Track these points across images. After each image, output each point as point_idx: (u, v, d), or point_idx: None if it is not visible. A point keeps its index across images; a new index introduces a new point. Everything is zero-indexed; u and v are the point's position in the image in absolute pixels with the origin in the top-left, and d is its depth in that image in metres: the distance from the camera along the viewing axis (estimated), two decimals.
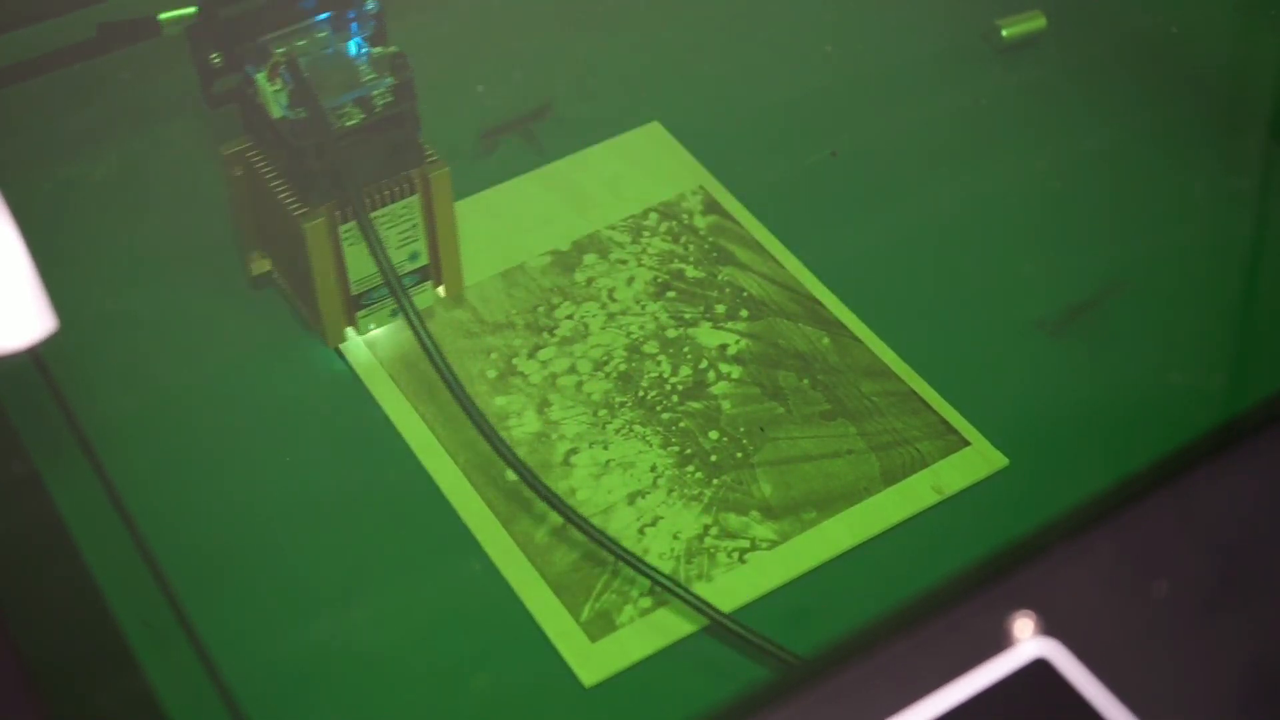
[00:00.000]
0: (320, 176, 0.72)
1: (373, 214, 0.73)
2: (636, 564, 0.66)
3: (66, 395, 0.73)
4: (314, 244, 0.73)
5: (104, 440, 0.73)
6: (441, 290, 0.79)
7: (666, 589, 0.66)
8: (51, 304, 0.55)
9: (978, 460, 0.73)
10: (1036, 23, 0.93)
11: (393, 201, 0.74)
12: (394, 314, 0.78)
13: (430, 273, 0.78)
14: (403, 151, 0.74)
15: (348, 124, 0.71)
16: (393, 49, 0.72)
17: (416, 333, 0.68)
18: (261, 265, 0.80)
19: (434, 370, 0.68)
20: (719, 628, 0.66)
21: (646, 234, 0.82)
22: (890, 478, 0.72)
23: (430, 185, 0.75)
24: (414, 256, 0.76)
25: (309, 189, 0.72)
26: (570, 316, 0.79)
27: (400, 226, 0.75)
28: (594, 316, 0.79)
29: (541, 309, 0.79)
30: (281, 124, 0.71)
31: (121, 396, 0.76)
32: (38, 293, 0.54)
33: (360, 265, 0.75)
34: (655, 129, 0.88)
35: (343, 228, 0.73)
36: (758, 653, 0.65)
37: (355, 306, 0.77)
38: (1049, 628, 0.42)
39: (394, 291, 0.69)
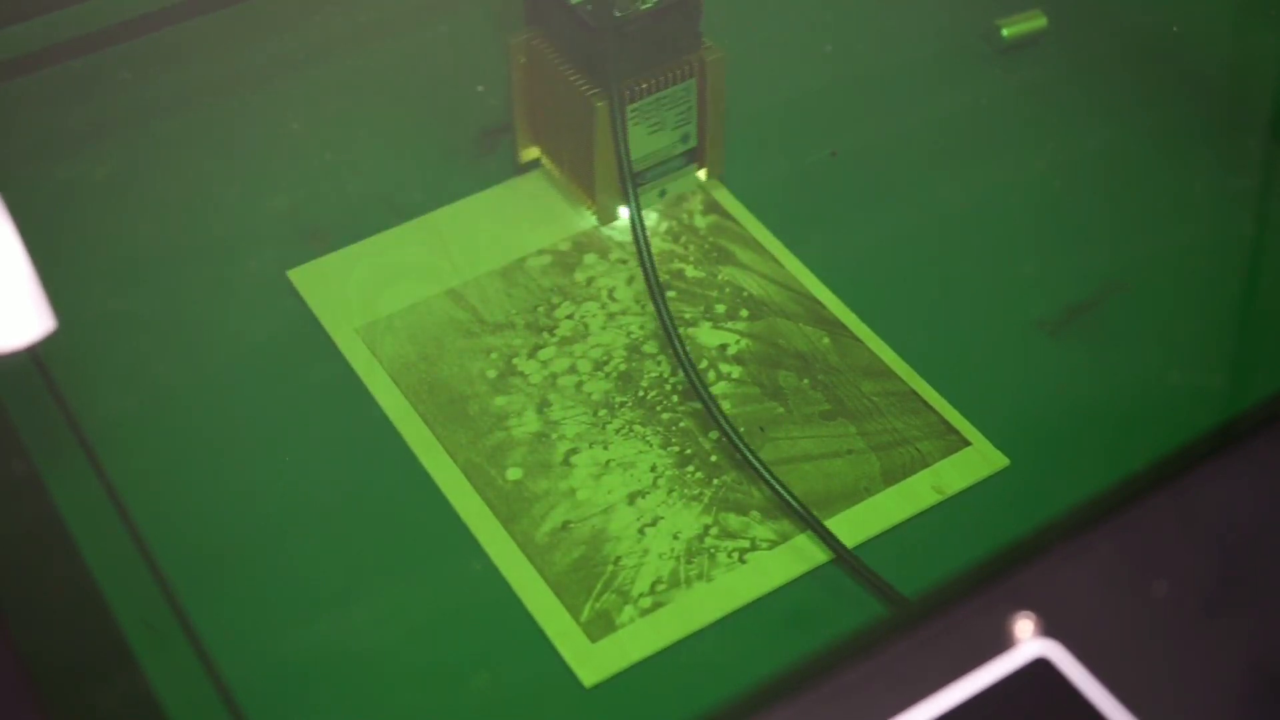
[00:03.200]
0: (611, 58, 0.76)
1: (654, 96, 0.79)
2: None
3: (66, 395, 0.73)
4: (603, 123, 0.77)
5: (104, 440, 0.73)
6: (703, 174, 0.84)
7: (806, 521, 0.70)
8: (51, 304, 0.55)
9: (978, 460, 0.73)
10: (1036, 23, 0.93)
11: (673, 84, 0.79)
12: (660, 194, 0.83)
13: (696, 155, 0.83)
14: (685, 37, 0.79)
15: (643, 8, 0.77)
16: None
17: (633, 224, 0.74)
18: (530, 153, 0.85)
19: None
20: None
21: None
22: (890, 478, 0.72)
23: (706, 70, 0.80)
24: (685, 138, 0.82)
25: (601, 70, 0.77)
26: (570, 316, 0.79)
27: (678, 109, 0.80)
28: (594, 316, 0.79)
29: (541, 309, 0.79)
30: (580, 9, 0.77)
31: (121, 396, 0.76)
32: (37, 293, 0.54)
33: (640, 145, 0.80)
34: None
35: (630, 107, 0.78)
36: (877, 591, 0.68)
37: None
38: (1049, 628, 0.42)
39: (624, 178, 0.75)
